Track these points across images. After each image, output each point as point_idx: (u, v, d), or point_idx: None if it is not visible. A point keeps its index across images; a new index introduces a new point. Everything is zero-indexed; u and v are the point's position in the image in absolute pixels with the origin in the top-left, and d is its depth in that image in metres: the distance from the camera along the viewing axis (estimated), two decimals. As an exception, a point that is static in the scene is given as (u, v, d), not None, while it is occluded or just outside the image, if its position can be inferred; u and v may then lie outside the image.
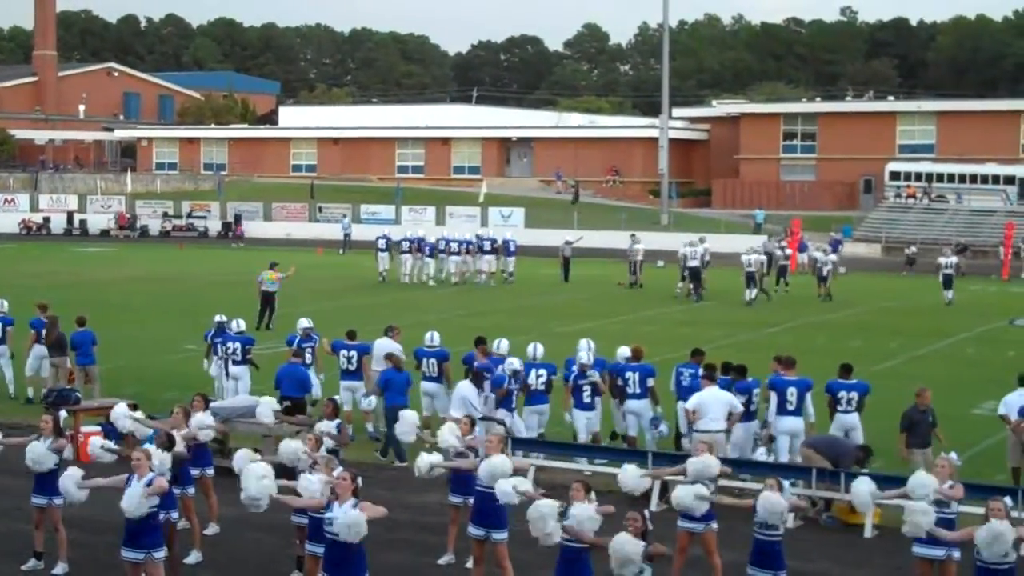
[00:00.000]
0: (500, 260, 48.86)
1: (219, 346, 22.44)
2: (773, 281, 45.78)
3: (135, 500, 12.12)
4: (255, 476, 12.13)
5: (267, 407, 17.37)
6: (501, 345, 20.24)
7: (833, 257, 46.14)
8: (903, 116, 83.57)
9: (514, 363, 18.89)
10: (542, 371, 19.26)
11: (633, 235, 49.54)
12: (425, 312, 36.35)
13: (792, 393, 17.83)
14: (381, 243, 48.48)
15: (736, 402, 17.59)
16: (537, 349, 19.67)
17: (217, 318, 23.12)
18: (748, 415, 18.01)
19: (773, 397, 17.97)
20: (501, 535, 13.25)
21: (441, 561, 14.69)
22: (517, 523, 13.67)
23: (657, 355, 23.84)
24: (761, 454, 17.64)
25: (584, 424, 19.21)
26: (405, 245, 48.52)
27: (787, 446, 17.84)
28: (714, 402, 17.46)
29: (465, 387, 18.79)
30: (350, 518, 11.06)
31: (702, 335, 30.49)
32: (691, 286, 43.39)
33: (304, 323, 22.30)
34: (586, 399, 19.18)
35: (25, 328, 24.69)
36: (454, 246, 48.21)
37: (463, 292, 45.05)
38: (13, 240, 69.75)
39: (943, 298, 42.53)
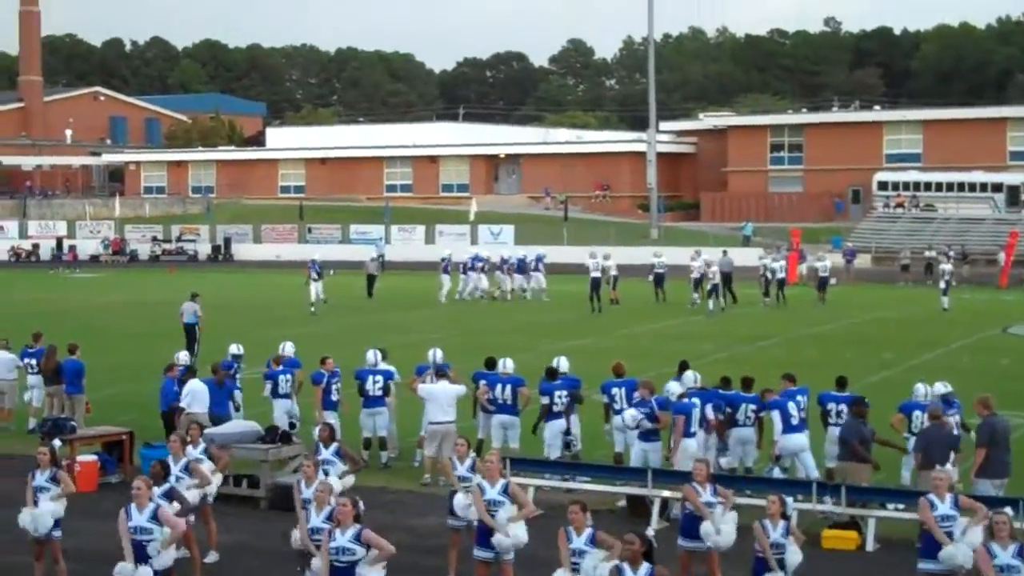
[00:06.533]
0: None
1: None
2: (774, 294, 45.57)
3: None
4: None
5: None
6: (507, 364, 19.96)
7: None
8: (889, 125, 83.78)
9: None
10: (379, 377, 20.09)
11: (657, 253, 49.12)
12: (422, 332, 36.21)
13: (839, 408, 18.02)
14: (445, 264, 48.51)
15: (462, 390, 18.93)
16: (377, 356, 20.44)
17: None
18: (552, 414, 18.77)
19: (777, 416, 17.70)
20: (509, 556, 13.25)
21: (443, 584, 14.64)
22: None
23: (652, 370, 23.81)
24: (776, 472, 17.56)
25: (639, 456, 17.74)
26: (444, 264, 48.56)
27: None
28: (442, 394, 18.66)
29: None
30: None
31: (694, 349, 30.46)
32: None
33: (233, 349, 22.74)
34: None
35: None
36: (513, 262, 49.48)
37: (460, 310, 45.03)
38: (2, 268, 69.54)
39: (940, 304, 43.14)
